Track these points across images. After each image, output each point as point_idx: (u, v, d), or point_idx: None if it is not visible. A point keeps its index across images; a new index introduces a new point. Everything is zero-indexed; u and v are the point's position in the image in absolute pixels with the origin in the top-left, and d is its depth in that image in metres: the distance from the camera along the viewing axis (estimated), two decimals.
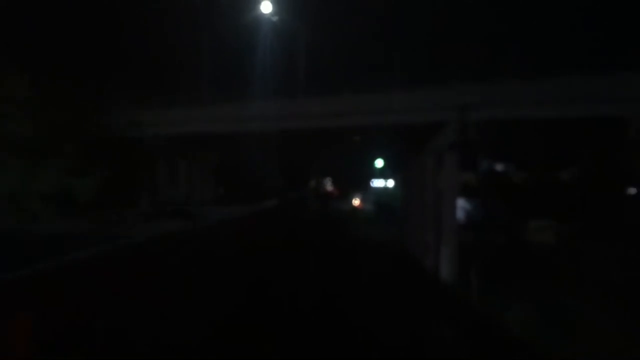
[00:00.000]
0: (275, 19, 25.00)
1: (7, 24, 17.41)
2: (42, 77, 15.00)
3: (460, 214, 27.73)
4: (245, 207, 23.97)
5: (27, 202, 12.38)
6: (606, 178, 24.14)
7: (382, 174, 45.46)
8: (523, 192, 28.83)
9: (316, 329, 10.43)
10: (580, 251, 20.65)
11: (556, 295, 14.06)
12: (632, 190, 26.70)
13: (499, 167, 40.03)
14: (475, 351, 9.90)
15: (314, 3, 26.87)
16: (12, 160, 12.79)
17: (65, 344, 5.82)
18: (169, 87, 22.00)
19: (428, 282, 17.74)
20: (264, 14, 25.41)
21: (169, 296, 8.58)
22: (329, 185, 60.80)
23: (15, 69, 14.11)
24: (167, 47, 23.15)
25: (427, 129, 19.34)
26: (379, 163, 43.92)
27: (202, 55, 25.15)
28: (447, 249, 18.14)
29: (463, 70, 17.11)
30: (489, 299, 14.16)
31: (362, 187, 49.95)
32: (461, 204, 28.35)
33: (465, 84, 16.73)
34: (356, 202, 48.09)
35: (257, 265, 17.00)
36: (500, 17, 22.43)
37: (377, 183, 48.78)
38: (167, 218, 14.89)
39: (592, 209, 25.56)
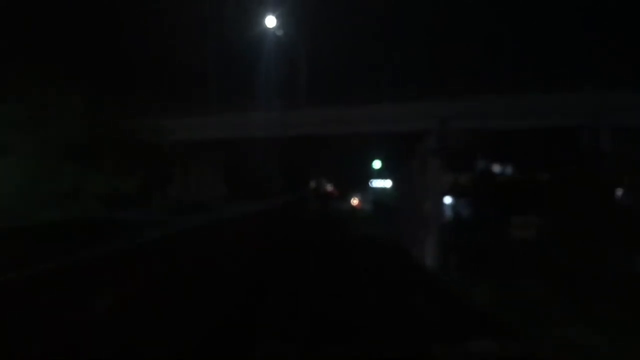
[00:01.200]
0: (279, 33, 28.81)
1: (51, 39, 21.25)
2: (88, 88, 18.84)
3: (449, 212, 31.58)
4: (248, 206, 27.59)
5: (84, 199, 16.15)
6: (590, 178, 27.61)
7: (380, 174, 49.10)
8: (510, 191, 32.46)
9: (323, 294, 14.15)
10: (551, 244, 24.34)
11: (516, 278, 17.89)
12: (619, 191, 30.39)
13: (496, 167, 43.85)
14: (436, 308, 13.74)
15: (315, 18, 30.74)
16: (69, 164, 16.58)
17: None
18: (183, 98, 25.91)
19: (414, 268, 21.52)
20: (268, 28, 29.23)
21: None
22: (329, 186, 64.37)
23: (66, 80, 17.91)
24: (181, 60, 27.01)
25: (414, 136, 23.15)
26: (377, 164, 47.65)
27: (212, 67, 29.09)
28: (431, 241, 21.97)
29: (443, 85, 20.92)
30: (460, 280, 18.00)
31: (361, 187, 53.71)
32: (450, 202, 32.14)
33: (444, 98, 20.57)
34: (355, 201, 51.96)
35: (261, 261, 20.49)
36: (474, 39, 26.35)
37: (376, 183, 52.48)
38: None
39: (573, 207, 29.23)
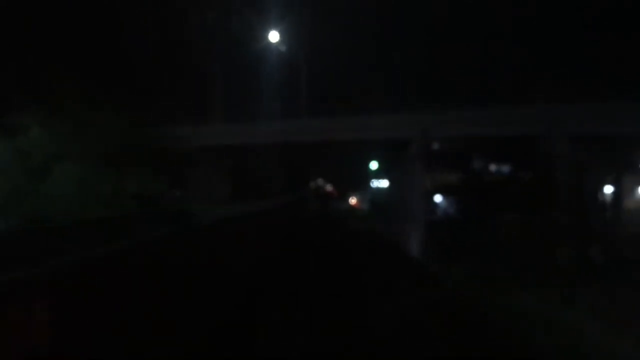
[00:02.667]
0: (282, 47, 33.17)
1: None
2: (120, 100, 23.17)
3: (439, 209, 35.87)
4: (249, 206, 31.34)
5: (122, 199, 20.50)
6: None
7: (377, 175, 53.27)
8: (494, 191, 36.69)
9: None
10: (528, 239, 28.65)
11: (487, 264, 22.28)
12: (609, 189, 34.68)
13: (492, 167, 47.97)
14: (415, 284, 18.02)
15: (314, 19, 34.99)
16: (110, 169, 20.96)
17: None
18: (195, 108, 30.33)
19: (400, 256, 25.83)
20: (272, 43, 33.55)
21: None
22: (328, 186, 68.20)
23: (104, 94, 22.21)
24: (192, 74, 31.42)
25: (404, 142, 27.50)
26: (374, 165, 51.83)
27: (219, 72, 33.50)
28: (416, 234, 26.33)
29: (425, 99, 25.28)
30: (439, 264, 22.43)
31: (360, 187, 57.98)
32: (440, 201, 36.43)
33: (426, 110, 24.92)
34: (353, 201, 56.20)
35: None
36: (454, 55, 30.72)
37: (375, 183, 56.65)
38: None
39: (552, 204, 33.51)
